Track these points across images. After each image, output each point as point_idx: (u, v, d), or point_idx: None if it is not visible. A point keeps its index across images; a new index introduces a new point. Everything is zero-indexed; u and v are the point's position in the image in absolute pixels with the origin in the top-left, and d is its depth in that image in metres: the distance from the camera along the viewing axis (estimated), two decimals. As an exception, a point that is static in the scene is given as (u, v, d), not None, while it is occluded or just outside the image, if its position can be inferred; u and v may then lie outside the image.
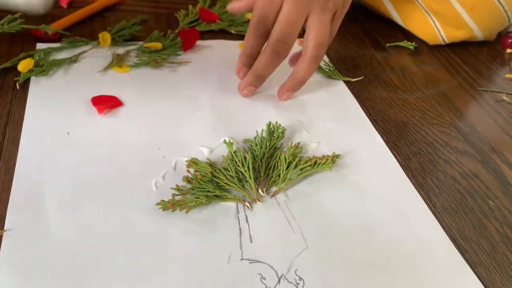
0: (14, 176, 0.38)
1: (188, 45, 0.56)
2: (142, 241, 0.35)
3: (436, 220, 0.40)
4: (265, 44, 0.48)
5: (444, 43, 0.63)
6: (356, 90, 0.54)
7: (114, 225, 0.36)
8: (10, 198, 0.36)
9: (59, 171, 0.39)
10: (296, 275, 0.34)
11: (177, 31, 0.58)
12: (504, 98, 0.56)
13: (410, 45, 0.62)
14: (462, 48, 0.64)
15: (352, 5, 0.52)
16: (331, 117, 0.49)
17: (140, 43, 0.55)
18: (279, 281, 0.34)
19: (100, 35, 0.54)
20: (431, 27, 0.61)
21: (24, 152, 0.40)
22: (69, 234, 0.35)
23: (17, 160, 0.39)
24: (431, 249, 0.38)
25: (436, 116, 0.52)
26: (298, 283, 0.34)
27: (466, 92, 0.56)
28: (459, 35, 0.61)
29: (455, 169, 0.45)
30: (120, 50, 0.54)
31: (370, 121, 0.49)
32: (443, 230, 0.39)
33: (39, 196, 0.37)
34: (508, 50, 0.65)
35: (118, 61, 0.52)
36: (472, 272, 0.36)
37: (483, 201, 0.42)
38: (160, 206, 0.37)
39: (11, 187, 0.37)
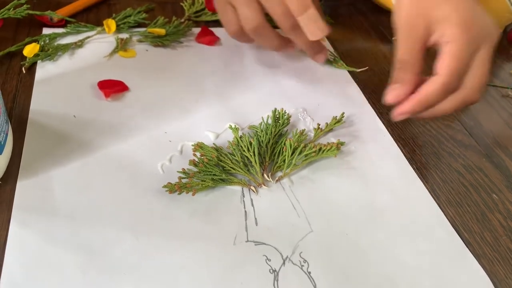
0: (22, 158, 0.38)
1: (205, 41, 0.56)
2: (149, 222, 0.36)
3: (437, 206, 0.41)
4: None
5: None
6: (362, 83, 0.53)
7: (121, 207, 0.36)
8: (18, 179, 0.36)
9: (66, 153, 0.39)
10: (301, 257, 0.35)
11: (182, 20, 0.58)
12: (510, 93, 0.55)
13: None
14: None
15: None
16: (336, 105, 0.50)
17: (144, 29, 0.55)
18: (284, 263, 0.35)
19: (104, 22, 0.54)
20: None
21: (31, 135, 0.40)
22: (77, 214, 0.35)
23: (24, 144, 0.39)
24: (433, 234, 0.38)
25: (441, 110, 0.51)
26: (302, 265, 0.35)
27: (471, 86, 0.56)
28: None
29: (460, 162, 0.45)
30: (124, 35, 0.54)
31: (376, 113, 0.49)
32: (444, 216, 0.40)
33: (47, 178, 0.37)
34: (514, 46, 0.65)
35: (122, 45, 0.52)
36: (472, 256, 0.37)
37: (487, 194, 0.42)
38: (167, 189, 0.38)
39: (18, 169, 0.37)
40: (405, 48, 0.41)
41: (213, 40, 0.56)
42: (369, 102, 0.51)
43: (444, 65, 0.40)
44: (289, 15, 0.45)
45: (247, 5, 0.46)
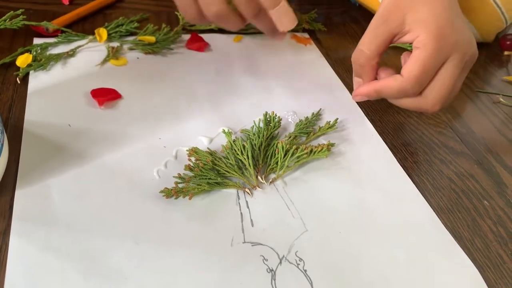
0: (19, 168, 0.39)
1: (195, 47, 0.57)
2: (147, 227, 0.36)
3: (426, 203, 0.41)
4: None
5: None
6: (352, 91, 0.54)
7: (120, 212, 0.37)
8: (16, 188, 0.37)
9: (62, 162, 0.40)
10: (297, 256, 0.36)
11: (177, 28, 0.59)
12: (501, 100, 0.56)
13: (409, 46, 0.62)
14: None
15: (351, 6, 0.52)
16: (325, 107, 0.51)
17: (135, 37, 0.56)
18: (280, 262, 0.35)
19: (96, 31, 0.54)
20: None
21: (27, 144, 0.41)
22: (76, 222, 0.36)
23: (20, 152, 0.40)
24: (423, 230, 0.39)
25: (433, 117, 0.52)
26: (298, 264, 0.35)
27: (463, 93, 0.57)
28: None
29: (451, 169, 0.46)
30: (114, 44, 0.55)
31: (365, 116, 0.50)
32: (434, 213, 0.41)
33: (45, 187, 0.38)
34: (506, 52, 0.65)
35: (114, 54, 0.53)
36: (461, 250, 0.38)
37: (478, 201, 0.43)
38: (164, 194, 0.38)
39: (16, 179, 0.38)
40: (371, 37, 0.43)
41: (203, 46, 0.57)
42: (359, 106, 0.51)
43: (408, 70, 0.41)
44: (252, 3, 0.44)
45: None
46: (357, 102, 0.52)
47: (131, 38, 0.56)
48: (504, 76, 0.61)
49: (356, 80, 0.47)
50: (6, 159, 0.38)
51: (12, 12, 0.50)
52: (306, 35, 0.64)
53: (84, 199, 0.37)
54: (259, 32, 0.57)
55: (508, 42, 0.65)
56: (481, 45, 0.65)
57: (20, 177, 0.38)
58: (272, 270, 0.35)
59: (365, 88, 0.45)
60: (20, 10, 0.50)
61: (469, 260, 0.37)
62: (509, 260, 0.38)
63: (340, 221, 0.39)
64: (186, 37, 0.58)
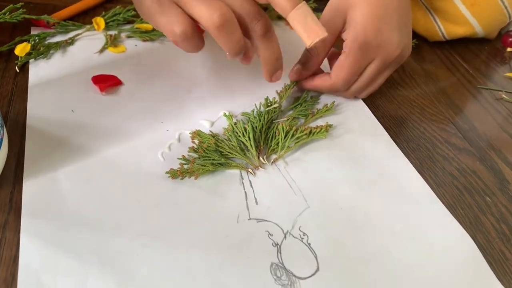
0: (25, 155, 0.39)
1: None
2: (155, 207, 0.37)
3: (421, 178, 0.43)
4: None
5: (444, 40, 0.63)
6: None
7: (127, 194, 0.37)
8: (24, 173, 0.37)
9: (68, 151, 0.40)
10: (300, 231, 0.37)
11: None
12: (503, 96, 0.56)
13: (412, 42, 0.62)
14: (463, 45, 0.64)
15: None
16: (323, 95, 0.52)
17: (132, 25, 0.56)
18: (285, 237, 0.36)
19: (93, 20, 0.54)
20: (431, 24, 0.61)
21: (32, 130, 0.41)
22: (85, 204, 0.36)
23: (26, 139, 0.40)
24: (419, 203, 0.41)
25: (436, 113, 0.52)
26: (302, 238, 0.36)
27: (466, 89, 0.57)
28: (459, 31, 0.61)
29: (454, 165, 0.45)
30: (112, 32, 0.55)
31: (364, 103, 0.51)
32: (427, 186, 0.42)
33: (52, 170, 0.38)
34: (509, 49, 0.65)
35: (112, 41, 0.52)
36: (458, 224, 0.39)
37: (481, 197, 0.42)
38: (169, 175, 0.39)
39: (14, 173, 0.37)
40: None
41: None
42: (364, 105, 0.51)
43: (335, 74, 0.46)
44: (260, 14, 0.38)
45: (205, 2, 0.36)
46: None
47: (128, 26, 0.56)
48: (506, 73, 0.60)
49: (296, 67, 0.49)
50: (5, 153, 0.38)
51: (11, 5, 0.50)
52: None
53: (92, 184, 0.38)
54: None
55: (510, 39, 0.64)
56: (484, 41, 0.65)
57: (27, 169, 0.38)
58: (278, 244, 0.36)
59: (304, 84, 0.49)
60: (20, 3, 0.50)
61: (465, 231, 0.39)
62: (512, 257, 0.38)
63: (341, 198, 0.40)
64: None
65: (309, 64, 0.48)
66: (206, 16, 0.36)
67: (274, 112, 0.46)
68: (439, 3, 0.60)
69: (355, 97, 0.50)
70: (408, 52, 0.48)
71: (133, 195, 0.37)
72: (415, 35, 0.63)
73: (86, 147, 0.40)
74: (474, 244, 0.38)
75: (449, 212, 0.40)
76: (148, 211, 0.36)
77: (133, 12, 0.56)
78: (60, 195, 0.36)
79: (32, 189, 0.36)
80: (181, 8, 0.37)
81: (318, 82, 0.48)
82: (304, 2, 0.37)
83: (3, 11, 0.49)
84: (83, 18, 0.57)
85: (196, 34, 0.38)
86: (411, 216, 0.39)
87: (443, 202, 0.41)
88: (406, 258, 0.36)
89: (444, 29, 0.61)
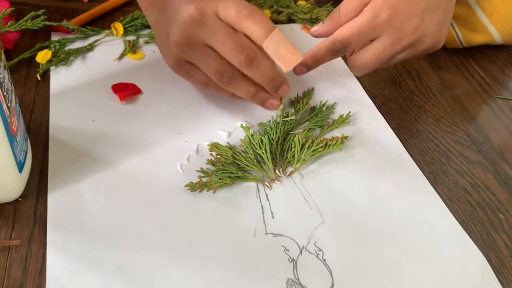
0: (49, 167, 0.40)
1: None
2: (174, 219, 0.38)
3: (436, 194, 0.43)
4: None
5: (461, 47, 0.62)
6: (372, 95, 0.54)
7: (148, 207, 0.38)
8: (48, 186, 0.38)
9: (89, 158, 0.41)
10: (316, 246, 0.38)
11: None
12: (519, 106, 0.56)
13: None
14: (480, 52, 0.64)
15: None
16: (338, 100, 0.52)
17: (150, 30, 0.56)
18: (301, 252, 0.37)
19: (112, 25, 0.55)
20: (449, 31, 0.61)
21: (54, 141, 0.42)
22: (107, 216, 0.37)
23: (49, 151, 0.41)
24: (433, 220, 0.41)
25: (450, 124, 0.52)
26: (318, 254, 0.37)
27: (481, 99, 0.57)
28: (477, 39, 0.61)
29: (467, 180, 0.46)
30: (130, 38, 0.56)
31: (378, 110, 0.51)
32: (442, 202, 0.42)
33: (75, 182, 0.39)
34: (526, 56, 0.64)
35: (131, 48, 0.53)
36: (471, 241, 0.40)
37: (493, 213, 0.43)
38: (189, 188, 0.40)
39: (37, 184, 0.39)
40: (345, 2, 0.45)
41: None
42: (373, 102, 0.52)
43: (340, 29, 0.44)
44: (242, 47, 0.39)
45: (205, 59, 0.41)
46: (377, 107, 0.52)
47: (146, 32, 0.56)
48: (523, 81, 0.60)
49: (321, 23, 0.48)
50: (30, 165, 0.39)
51: (33, 12, 0.50)
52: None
53: (113, 196, 0.39)
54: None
55: (528, 45, 0.64)
56: (501, 48, 0.65)
57: (51, 181, 0.39)
58: (294, 259, 0.37)
59: (304, 59, 0.46)
60: (41, 10, 0.50)
61: (477, 248, 0.39)
62: (523, 276, 0.38)
63: (355, 213, 0.41)
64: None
65: (326, 24, 0.47)
66: (215, 79, 0.42)
67: (290, 124, 0.47)
68: (458, 10, 0.59)
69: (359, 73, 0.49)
70: (434, 43, 0.46)
71: (153, 207, 0.39)
72: (432, 41, 0.63)
73: (107, 158, 0.41)
74: (487, 263, 0.38)
75: (462, 229, 0.41)
76: (167, 224, 0.37)
77: (151, 17, 0.57)
78: (83, 207, 0.37)
79: (56, 201, 0.37)
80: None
81: (319, 45, 0.46)
82: (277, 29, 0.39)
83: (24, 18, 0.50)
84: (101, 22, 0.58)
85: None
86: (424, 232, 0.40)
87: (456, 218, 0.42)
88: (419, 275, 0.37)
89: (462, 36, 0.61)
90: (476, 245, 0.40)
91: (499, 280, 0.38)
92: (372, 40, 0.45)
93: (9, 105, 0.33)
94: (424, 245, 0.39)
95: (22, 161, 0.36)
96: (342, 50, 0.45)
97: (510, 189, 0.45)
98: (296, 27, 0.62)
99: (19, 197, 0.37)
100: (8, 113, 0.33)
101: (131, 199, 0.39)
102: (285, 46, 0.39)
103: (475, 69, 0.61)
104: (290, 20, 0.64)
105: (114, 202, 0.38)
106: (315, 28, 0.48)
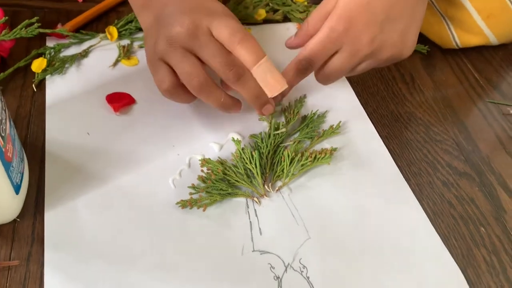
0: (45, 185, 0.41)
1: None
2: (167, 238, 0.40)
3: (421, 209, 0.45)
4: None
5: (457, 48, 0.62)
6: (364, 101, 0.54)
7: (140, 225, 0.40)
8: (45, 204, 0.40)
9: (84, 174, 0.43)
10: (300, 263, 0.40)
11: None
12: (511, 111, 0.56)
13: (423, 49, 0.62)
14: (476, 52, 0.63)
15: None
16: (329, 106, 0.53)
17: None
18: (286, 270, 0.39)
19: (106, 30, 0.55)
20: (445, 31, 0.61)
21: (51, 157, 0.43)
22: (102, 235, 0.39)
23: (45, 167, 0.42)
24: (418, 240, 0.42)
25: (441, 132, 0.53)
26: (302, 271, 0.39)
27: (474, 104, 0.57)
28: (473, 41, 0.61)
29: (452, 192, 0.47)
30: (124, 42, 0.56)
31: (369, 118, 0.52)
32: (427, 218, 0.44)
33: (71, 199, 0.41)
34: (522, 55, 0.64)
35: (125, 53, 0.54)
36: (451, 258, 0.41)
37: (475, 227, 0.44)
38: (180, 205, 0.41)
39: (34, 203, 0.40)
40: (315, 11, 0.46)
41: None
42: (364, 109, 0.53)
43: (305, 46, 0.45)
44: (231, 64, 0.41)
45: (185, 60, 0.41)
46: (368, 115, 0.53)
47: (140, 35, 0.57)
48: (518, 83, 0.60)
49: (293, 35, 0.49)
50: (26, 185, 0.40)
51: (27, 20, 0.50)
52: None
53: (108, 214, 0.40)
54: (268, 22, 0.59)
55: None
56: (498, 47, 0.64)
57: (47, 199, 0.40)
58: (279, 277, 0.39)
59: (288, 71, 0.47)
60: (35, 18, 0.51)
61: (456, 265, 0.41)
62: (498, 292, 0.40)
63: (340, 228, 0.42)
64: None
65: (298, 35, 0.48)
66: (186, 81, 0.42)
67: (281, 136, 0.48)
68: (454, 12, 0.59)
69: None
70: (396, 52, 0.46)
71: (146, 225, 0.40)
72: (428, 41, 0.63)
73: (102, 174, 0.43)
74: (465, 281, 0.40)
75: (443, 245, 0.42)
76: (160, 242, 0.39)
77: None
78: (79, 226, 0.39)
79: (53, 220, 0.39)
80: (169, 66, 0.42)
81: (287, 66, 0.46)
82: (266, 57, 0.42)
83: (19, 26, 0.50)
84: (96, 24, 0.58)
85: (181, 90, 0.43)
86: (406, 248, 0.42)
87: (438, 232, 0.43)
88: (399, 292, 0.39)
89: (458, 37, 0.60)
90: (456, 260, 0.42)
91: (475, 296, 0.40)
92: (335, 53, 0.46)
93: (3, 134, 0.35)
94: (405, 261, 0.41)
95: (19, 183, 0.38)
96: (310, 68, 0.46)
97: (494, 201, 0.47)
98: (291, 27, 0.62)
99: (17, 217, 0.39)
100: (3, 143, 0.34)
101: (125, 217, 0.40)
102: (272, 74, 0.42)
103: (470, 71, 0.61)
104: (286, 19, 0.64)
105: (109, 220, 0.40)
106: (290, 41, 0.49)
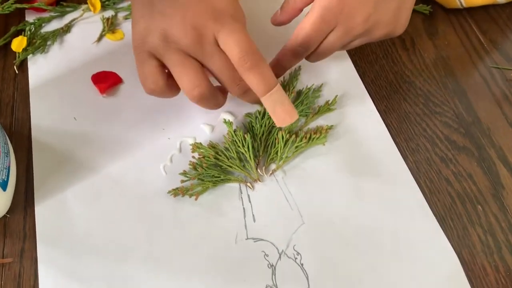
0: (34, 177, 0.40)
1: None
2: (159, 228, 0.39)
3: (418, 189, 0.44)
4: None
5: (461, 7, 0.59)
6: (362, 71, 0.52)
7: (132, 215, 0.40)
8: (34, 198, 0.39)
9: (73, 163, 0.42)
10: (294, 250, 0.39)
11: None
12: (515, 78, 0.54)
13: (425, 10, 0.58)
14: (482, 10, 0.60)
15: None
16: (326, 79, 0.51)
17: (129, 3, 0.53)
18: (280, 257, 0.39)
19: (88, 1, 0.52)
20: (449, -10, 0.57)
21: (37, 145, 0.42)
22: (93, 228, 0.39)
23: (33, 157, 0.41)
24: (413, 222, 0.42)
25: (440, 103, 0.51)
26: (296, 258, 0.39)
27: (476, 69, 0.54)
28: (478, 0, 0.57)
29: (450, 168, 0.46)
30: (108, 13, 0.53)
31: (368, 94, 0.50)
32: (425, 201, 0.43)
33: (60, 190, 0.40)
34: (531, 12, 0.61)
35: (109, 27, 0.51)
36: (447, 241, 0.41)
37: (472, 206, 0.44)
38: (172, 193, 0.41)
39: (24, 196, 0.40)
40: None
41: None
42: (369, 96, 0.50)
43: (296, 33, 0.42)
44: (238, 79, 0.39)
45: (186, 66, 0.37)
46: (365, 86, 0.51)
47: (125, 5, 0.53)
48: (524, 44, 0.57)
49: (279, 10, 0.45)
50: (14, 179, 0.40)
51: (2, -4, 0.48)
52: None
53: (98, 204, 0.40)
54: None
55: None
56: (505, 5, 0.61)
57: (37, 192, 0.40)
58: (273, 265, 0.39)
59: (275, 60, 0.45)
60: (10, -7, 0.48)
61: (451, 248, 0.41)
62: (492, 272, 0.40)
63: (335, 210, 0.42)
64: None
65: (284, 11, 0.45)
66: (187, 89, 0.38)
67: None
68: (459, -31, 0.55)
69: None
70: (390, 30, 0.44)
71: (137, 215, 0.40)
72: (430, 0, 0.59)
73: (91, 162, 0.42)
74: (459, 263, 0.40)
75: (439, 227, 0.42)
76: (152, 232, 0.39)
77: (129, -11, 0.54)
78: (70, 219, 0.39)
79: (44, 214, 0.39)
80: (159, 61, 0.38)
81: (281, 51, 0.44)
82: (278, 87, 0.38)
83: (-6, 3, 0.47)
84: (77, -6, 0.54)
85: (168, 90, 0.40)
86: (401, 231, 0.41)
87: (434, 212, 0.43)
88: (392, 276, 0.39)
89: (462, -4, 0.57)
90: (451, 242, 0.41)
91: (468, 276, 0.40)
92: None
93: (-17, 136, 0.33)
94: (400, 244, 0.41)
95: (5, 179, 0.37)
96: (306, 51, 0.43)
97: (493, 177, 0.46)
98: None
99: (7, 212, 0.38)
100: (-17, 145, 0.33)
101: (115, 207, 0.40)
102: (282, 105, 0.39)
103: (474, 32, 0.58)
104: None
105: (99, 211, 0.40)
106: (275, 17, 0.45)
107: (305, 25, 0.41)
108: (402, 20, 0.44)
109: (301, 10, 0.44)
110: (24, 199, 0.40)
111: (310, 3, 0.43)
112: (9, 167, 0.38)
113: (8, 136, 0.41)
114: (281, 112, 0.39)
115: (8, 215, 0.39)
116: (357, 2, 0.41)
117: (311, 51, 0.44)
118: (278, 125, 0.40)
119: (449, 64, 0.55)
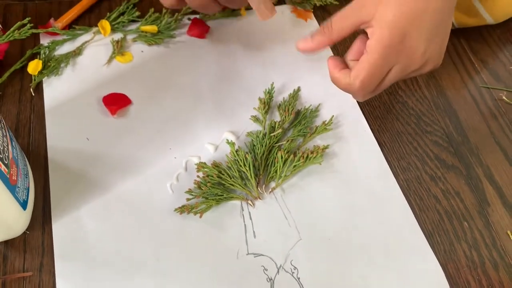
0: (51, 195, 0.43)
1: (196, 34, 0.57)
2: (166, 244, 0.42)
3: (408, 206, 0.47)
4: None
5: (454, 27, 0.61)
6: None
7: (141, 232, 0.43)
8: (52, 216, 0.42)
9: (86, 181, 0.45)
10: (291, 264, 0.42)
11: (177, 15, 0.58)
12: (504, 98, 0.57)
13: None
14: (474, 30, 0.63)
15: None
16: (322, 98, 0.54)
17: (137, 24, 0.56)
18: (278, 272, 0.42)
19: (99, 24, 0.55)
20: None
21: (54, 165, 0.45)
22: (106, 244, 0.42)
23: (49, 176, 0.44)
24: (403, 239, 0.45)
25: (431, 122, 0.54)
26: (293, 272, 0.42)
27: (467, 89, 0.57)
28: (470, 22, 0.60)
29: (439, 186, 0.49)
30: (118, 36, 0.56)
31: (363, 115, 0.53)
32: (414, 218, 0.46)
33: (75, 209, 0.43)
34: (521, 33, 0.63)
35: (119, 49, 0.54)
36: (434, 255, 0.44)
37: (459, 222, 0.47)
38: (178, 211, 0.44)
39: (42, 212, 0.43)
40: (342, 16, 0.43)
41: (204, 32, 0.57)
42: (364, 116, 0.53)
43: (355, 73, 0.43)
44: None
45: None
46: (360, 107, 0.53)
47: (134, 27, 0.56)
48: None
49: (309, 37, 0.45)
50: (33, 198, 0.43)
51: (19, 22, 0.50)
52: (308, 8, 0.62)
53: (110, 222, 0.43)
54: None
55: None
56: (496, 26, 0.63)
57: (54, 210, 0.43)
58: (271, 279, 0.42)
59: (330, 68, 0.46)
60: (27, 18, 0.50)
61: (437, 263, 0.44)
62: (475, 286, 0.43)
63: (330, 226, 0.45)
64: (187, 21, 0.59)
65: (316, 39, 0.45)
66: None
67: (277, 137, 0.49)
68: (451, -6, 0.57)
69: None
70: (436, 64, 0.45)
71: (146, 232, 0.43)
72: (425, 21, 0.62)
73: (103, 181, 0.45)
74: (445, 277, 0.43)
75: (427, 243, 0.45)
76: (159, 249, 0.42)
77: (136, 13, 0.56)
78: (85, 235, 0.42)
79: (60, 231, 0.42)
80: None
81: (339, 75, 0.44)
82: None
83: (11, 29, 0.50)
84: (89, 17, 0.57)
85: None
86: (392, 246, 0.44)
87: (423, 229, 0.46)
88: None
89: (454, 18, 0.60)
90: (438, 256, 0.45)
91: (453, 291, 0.43)
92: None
93: (6, 162, 0.37)
94: (390, 259, 0.44)
95: (26, 199, 0.40)
96: (359, 92, 0.44)
97: (479, 194, 0.49)
98: (286, 10, 0.61)
99: (26, 229, 0.41)
100: (7, 170, 0.36)
101: (126, 225, 0.43)
102: (265, 3, 0.46)
103: (466, 53, 0.61)
104: (281, 1, 0.63)
105: (111, 228, 0.43)
106: (303, 44, 0.45)
107: (365, 64, 0.42)
108: (443, 54, 0.45)
109: (335, 42, 0.44)
110: (42, 216, 0.43)
111: (346, 37, 0.44)
112: (28, 187, 0.41)
113: (26, 156, 0.44)
114: (264, 9, 0.47)
115: (27, 232, 0.42)
116: (414, 40, 0.41)
117: (371, 91, 0.44)
118: (261, 19, 0.47)
119: (441, 84, 0.58)
